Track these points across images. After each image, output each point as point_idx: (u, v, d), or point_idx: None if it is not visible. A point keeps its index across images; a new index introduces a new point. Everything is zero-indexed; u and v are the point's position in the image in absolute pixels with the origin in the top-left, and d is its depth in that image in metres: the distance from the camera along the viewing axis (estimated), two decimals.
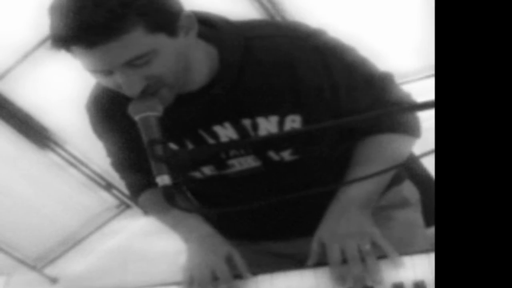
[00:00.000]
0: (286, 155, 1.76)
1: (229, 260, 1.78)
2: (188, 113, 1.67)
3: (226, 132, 1.70)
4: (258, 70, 1.63)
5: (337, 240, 1.69)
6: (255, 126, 1.69)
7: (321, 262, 1.72)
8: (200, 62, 1.62)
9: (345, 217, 1.75)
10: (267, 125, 1.68)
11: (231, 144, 1.74)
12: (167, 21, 1.48)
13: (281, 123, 1.68)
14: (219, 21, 1.66)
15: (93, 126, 1.84)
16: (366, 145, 1.83)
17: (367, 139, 1.83)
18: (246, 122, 1.68)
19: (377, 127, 1.81)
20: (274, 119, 1.68)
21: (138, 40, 1.43)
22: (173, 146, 1.72)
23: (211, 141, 1.71)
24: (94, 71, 1.50)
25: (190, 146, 1.72)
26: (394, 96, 1.78)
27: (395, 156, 1.81)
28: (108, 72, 1.49)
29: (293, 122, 1.69)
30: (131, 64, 1.46)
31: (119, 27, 1.40)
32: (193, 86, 1.64)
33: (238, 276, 1.77)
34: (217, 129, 1.69)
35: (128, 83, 1.48)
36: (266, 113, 1.67)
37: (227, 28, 1.65)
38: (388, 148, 1.82)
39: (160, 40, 1.47)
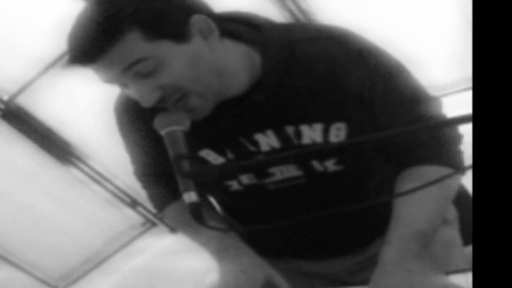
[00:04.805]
0: (330, 164, 1.69)
1: (269, 284, 1.72)
2: (229, 120, 1.64)
3: (268, 141, 1.65)
4: (302, 75, 1.60)
5: None
6: (298, 134, 1.64)
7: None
8: (237, 66, 1.59)
9: (405, 270, 1.57)
10: (311, 133, 1.63)
11: (261, 160, 1.71)
12: (170, 27, 1.47)
13: (326, 131, 1.64)
14: (263, 23, 1.62)
15: (120, 127, 1.82)
16: (411, 178, 1.69)
17: (410, 171, 1.70)
18: (289, 130, 1.64)
19: (420, 156, 1.70)
20: (318, 127, 1.63)
21: (134, 45, 1.44)
22: (213, 154, 1.69)
23: (252, 148, 1.67)
24: (109, 83, 1.52)
25: (230, 155, 1.69)
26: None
27: (445, 193, 1.71)
28: (123, 84, 1.51)
29: (339, 130, 1.63)
30: (138, 73, 1.46)
31: (108, 39, 1.42)
32: (232, 92, 1.60)
33: None
34: (259, 137, 1.65)
35: (140, 94, 1.49)
36: (309, 121, 1.63)
37: (272, 31, 1.61)
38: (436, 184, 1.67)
39: (164, 48, 1.46)
